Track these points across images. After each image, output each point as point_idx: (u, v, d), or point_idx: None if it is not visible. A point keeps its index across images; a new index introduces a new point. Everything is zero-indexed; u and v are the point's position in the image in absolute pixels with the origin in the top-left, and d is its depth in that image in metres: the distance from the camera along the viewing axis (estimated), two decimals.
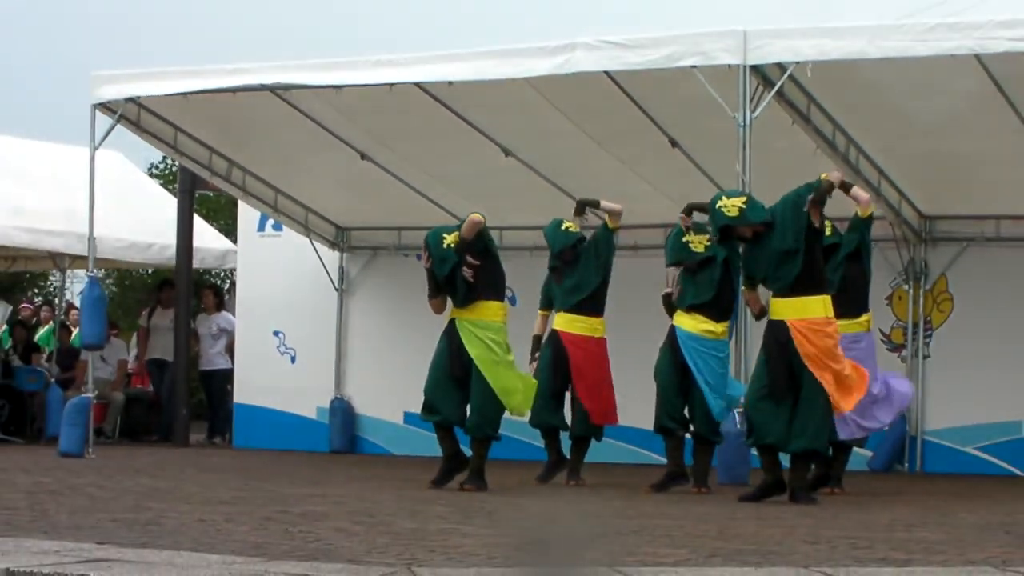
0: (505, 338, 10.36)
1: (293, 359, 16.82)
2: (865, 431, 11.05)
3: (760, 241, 9.78)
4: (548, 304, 11.65)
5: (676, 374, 10.66)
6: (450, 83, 12.29)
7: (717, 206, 9.89)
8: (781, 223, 9.69)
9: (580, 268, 11.40)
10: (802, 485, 9.68)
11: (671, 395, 10.71)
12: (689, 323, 10.64)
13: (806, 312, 9.58)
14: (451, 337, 10.35)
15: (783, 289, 9.65)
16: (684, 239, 10.74)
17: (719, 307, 10.64)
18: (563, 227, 11.55)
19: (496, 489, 10.39)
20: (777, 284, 9.70)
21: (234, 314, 17.70)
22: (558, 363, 11.37)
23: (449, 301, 10.44)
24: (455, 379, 10.31)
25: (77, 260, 17.20)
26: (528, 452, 13.01)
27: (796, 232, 9.60)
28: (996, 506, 9.66)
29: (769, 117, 11.34)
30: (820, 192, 9.62)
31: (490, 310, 10.34)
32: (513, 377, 10.38)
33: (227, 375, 17.86)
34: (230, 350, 17.76)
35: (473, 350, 10.23)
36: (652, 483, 10.75)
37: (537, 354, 11.56)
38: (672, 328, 10.72)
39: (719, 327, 10.64)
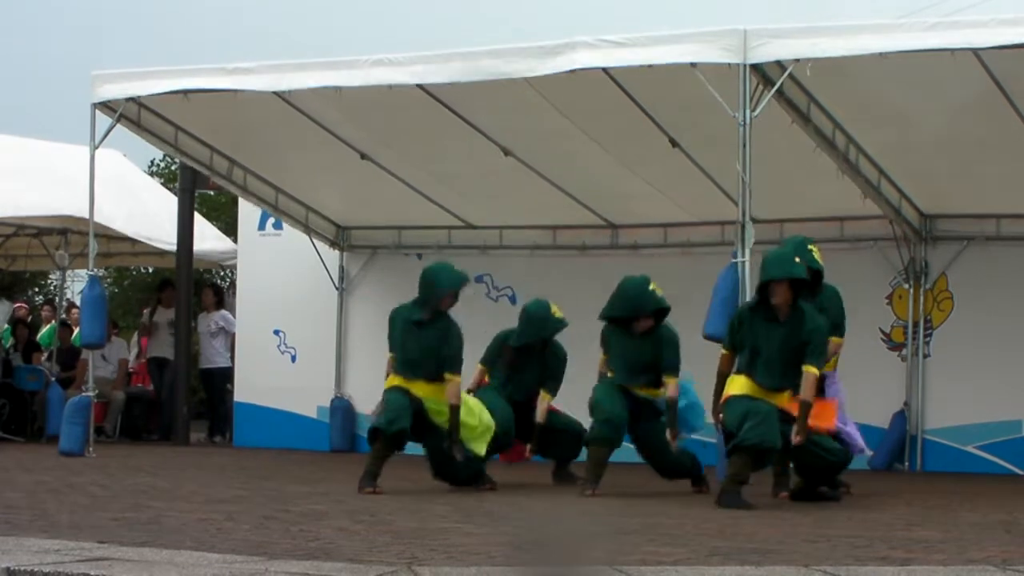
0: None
1: (293, 358, 16.82)
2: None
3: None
4: (491, 362, 11.48)
5: (625, 400, 10.36)
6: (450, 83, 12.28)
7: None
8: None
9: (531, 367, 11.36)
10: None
11: (617, 408, 10.31)
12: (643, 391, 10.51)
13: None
14: (413, 400, 10.24)
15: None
16: None
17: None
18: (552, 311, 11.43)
19: (500, 489, 10.40)
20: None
21: (234, 313, 17.70)
22: None
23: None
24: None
25: (77, 259, 17.22)
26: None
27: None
28: (996, 505, 9.66)
29: (769, 117, 11.33)
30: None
31: (433, 390, 10.30)
32: (473, 425, 10.38)
33: (226, 373, 17.87)
34: (230, 348, 17.77)
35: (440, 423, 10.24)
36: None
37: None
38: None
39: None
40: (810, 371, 9.28)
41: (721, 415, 9.56)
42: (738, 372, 9.58)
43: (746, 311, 9.71)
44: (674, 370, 10.26)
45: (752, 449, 9.22)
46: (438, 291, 10.37)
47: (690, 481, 10.58)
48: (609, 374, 10.55)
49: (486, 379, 11.43)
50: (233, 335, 17.74)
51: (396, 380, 10.33)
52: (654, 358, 10.34)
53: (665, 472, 10.59)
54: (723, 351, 9.75)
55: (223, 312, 18.21)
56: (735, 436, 9.32)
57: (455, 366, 10.26)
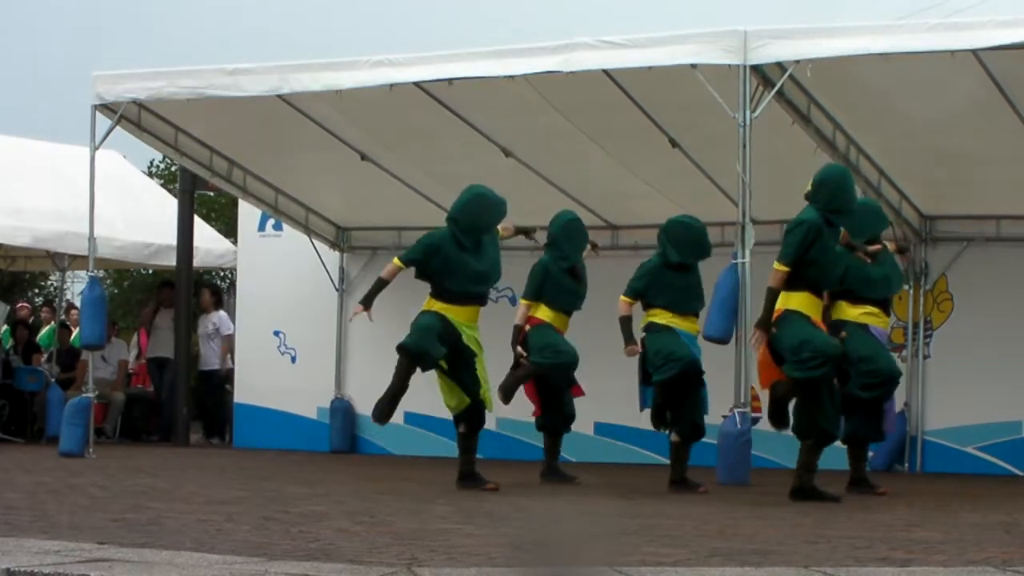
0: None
1: (293, 359, 16.82)
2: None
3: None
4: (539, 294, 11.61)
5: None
6: (450, 83, 12.28)
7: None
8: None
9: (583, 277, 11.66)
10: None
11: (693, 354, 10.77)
12: (689, 326, 10.75)
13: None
14: (447, 326, 10.27)
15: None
16: None
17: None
18: None
19: (501, 489, 10.40)
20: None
21: (234, 314, 17.70)
22: None
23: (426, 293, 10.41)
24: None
25: (77, 260, 17.23)
26: (528, 452, 13.00)
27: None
28: (996, 506, 9.66)
29: (769, 117, 11.34)
30: None
31: (475, 313, 10.44)
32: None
33: (223, 375, 17.89)
34: (228, 350, 17.79)
35: (472, 346, 10.27)
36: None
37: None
38: (668, 326, 10.66)
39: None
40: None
41: (772, 330, 9.56)
42: (799, 288, 9.56)
43: (822, 225, 9.64)
44: None
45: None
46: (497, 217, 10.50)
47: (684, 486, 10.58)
48: (655, 318, 10.65)
49: (534, 313, 11.48)
50: (228, 336, 17.78)
51: (448, 309, 10.28)
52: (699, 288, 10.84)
53: (688, 432, 10.59)
54: (784, 268, 9.58)
55: (220, 313, 18.22)
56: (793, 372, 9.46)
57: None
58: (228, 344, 17.90)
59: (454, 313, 10.30)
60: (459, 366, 10.27)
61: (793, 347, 9.47)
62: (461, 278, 10.31)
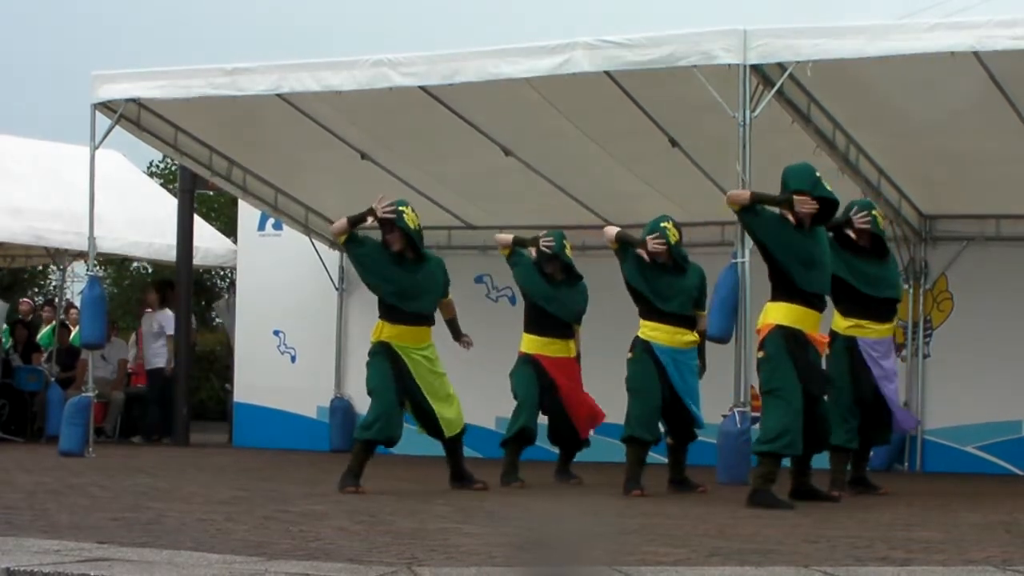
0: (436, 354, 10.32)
1: (293, 359, 16.83)
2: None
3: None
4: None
5: (663, 390, 10.31)
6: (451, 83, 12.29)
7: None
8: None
9: (573, 290, 11.53)
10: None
11: (656, 410, 10.32)
12: (665, 336, 10.33)
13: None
14: (395, 363, 10.13)
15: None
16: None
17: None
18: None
19: (496, 489, 10.40)
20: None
21: (234, 312, 17.69)
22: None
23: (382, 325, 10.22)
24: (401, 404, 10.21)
25: (76, 259, 17.26)
26: (527, 452, 12.99)
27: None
28: (996, 506, 9.66)
29: (769, 117, 11.34)
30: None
31: (427, 334, 10.28)
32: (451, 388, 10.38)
33: (166, 375, 17.85)
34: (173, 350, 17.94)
35: (418, 374, 10.16)
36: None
37: None
38: (648, 344, 10.30)
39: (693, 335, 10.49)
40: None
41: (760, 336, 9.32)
42: (781, 299, 9.25)
43: (778, 218, 9.29)
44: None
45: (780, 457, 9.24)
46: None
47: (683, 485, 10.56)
48: (645, 335, 10.33)
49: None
50: (171, 336, 17.74)
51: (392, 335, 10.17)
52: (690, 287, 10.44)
53: (681, 435, 10.50)
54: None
55: (166, 312, 18.12)
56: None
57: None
58: (172, 344, 17.89)
59: (402, 337, 10.14)
60: (415, 407, 10.23)
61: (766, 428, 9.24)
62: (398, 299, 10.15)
